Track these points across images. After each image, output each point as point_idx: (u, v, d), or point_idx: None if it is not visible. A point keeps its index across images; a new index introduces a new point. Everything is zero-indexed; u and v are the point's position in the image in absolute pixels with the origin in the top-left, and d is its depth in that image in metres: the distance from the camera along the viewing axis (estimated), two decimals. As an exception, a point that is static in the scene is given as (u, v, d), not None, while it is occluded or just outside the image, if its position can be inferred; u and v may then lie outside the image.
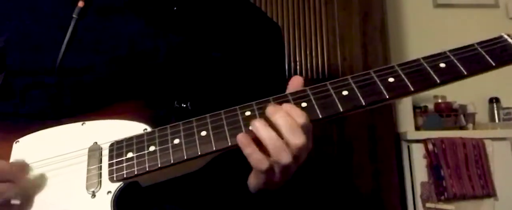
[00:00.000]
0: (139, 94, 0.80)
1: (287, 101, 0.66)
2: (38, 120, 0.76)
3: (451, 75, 0.65)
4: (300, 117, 0.63)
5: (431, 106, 2.48)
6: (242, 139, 0.63)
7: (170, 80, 0.82)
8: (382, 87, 0.65)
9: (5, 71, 0.85)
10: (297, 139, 0.62)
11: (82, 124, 0.73)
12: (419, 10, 2.75)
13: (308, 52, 2.25)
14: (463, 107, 2.47)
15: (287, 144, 0.62)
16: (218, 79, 0.85)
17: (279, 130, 0.62)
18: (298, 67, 2.23)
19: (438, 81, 0.65)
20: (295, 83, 0.69)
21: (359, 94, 0.65)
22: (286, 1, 2.28)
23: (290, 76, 0.72)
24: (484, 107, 2.62)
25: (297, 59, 2.24)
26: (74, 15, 0.83)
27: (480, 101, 2.58)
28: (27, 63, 0.82)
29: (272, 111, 0.63)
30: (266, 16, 1.03)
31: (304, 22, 2.28)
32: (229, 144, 0.64)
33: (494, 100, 2.59)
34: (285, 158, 0.62)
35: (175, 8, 0.86)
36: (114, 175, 0.67)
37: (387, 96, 0.65)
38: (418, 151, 2.24)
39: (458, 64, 0.66)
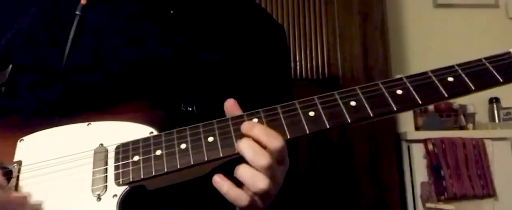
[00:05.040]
0: (146, 95, 0.80)
1: (295, 109, 0.66)
2: (43, 118, 0.76)
3: (459, 90, 0.66)
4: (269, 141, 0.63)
5: (431, 106, 2.47)
6: (216, 178, 0.64)
7: (177, 83, 0.82)
8: (390, 99, 0.65)
9: (11, 66, 0.84)
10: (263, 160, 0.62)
11: (88, 124, 0.73)
12: (419, 10, 2.75)
13: (308, 52, 2.25)
14: (463, 107, 2.47)
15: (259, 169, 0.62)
16: (225, 83, 0.85)
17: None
18: (298, 67, 2.23)
19: (446, 95, 0.65)
20: (231, 108, 0.69)
21: (367, 106, 0.65)
22: (286, 1, 2.28)
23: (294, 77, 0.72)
24: (484, 107, 2.62)
25: (297, 59, 2.23)
26: (77, 12, 0.82)
27: (480, 102, 2.59)
28: (33, 60, 0.82)
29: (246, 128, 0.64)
30: (271, 18, 1.02)
31: (304, 22, 2.28)
32: (236, 151, 0.64)
33: (494, 100, 2.60)
34: (262, 183, 0.62)
35: (171, 12, 0.86)
36: (120, 179, 0.66)
37: (395, 109, 0.65)
38: (418, 151, 2.25)
39: (466, 79, 0.66)
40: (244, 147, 0.63)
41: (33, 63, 0.82)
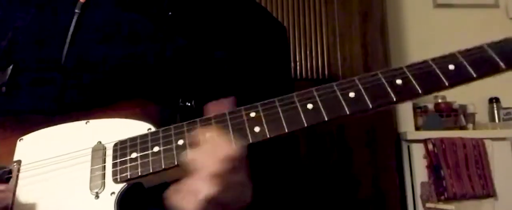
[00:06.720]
0: (144, 92, 0.80)
1: (293, 102, 0.65)
2: (42, 117, 0.76)
3: (460, 78, 0.64)
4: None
5: (431, 106, 2.47)
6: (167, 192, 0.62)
7: (175, 79, 0.82)
8: (389, 89, 0.64)
9: (11, 66, 0.85)
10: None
11: (86, 123, 0.73)
12: (419, 10, 2.75)
13: (308, 52, 2.25)
14: (463, 107, 2.47)
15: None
16: (225, 81, 0.85)
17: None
18: (298, 67, 2.23)
19: (447, 84, 0.64)
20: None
21: (366, 97, 0.64)
22: (286, 1, 2.28)
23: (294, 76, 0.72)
24: (484, 107, 2.62)
25: (297, 59, 2.23)
26: (76, 10, 0.83)
27: (480, 102, 2.58)
28: (32, 60, 0.82)
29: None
30: (271, 16, 1.03)
31: (304, 22, 2.27)
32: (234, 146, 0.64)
33: (494, 100, 2.59)
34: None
35: (169, 14, 0.86)
36: (118, 176, 0.66)
37: (395, 99, 0.63)
38: (418, 151, 2.24)
39: (468, 66, 0.64)
40: (189, 159, 0.61)
41: (33, 62, 0.83)
